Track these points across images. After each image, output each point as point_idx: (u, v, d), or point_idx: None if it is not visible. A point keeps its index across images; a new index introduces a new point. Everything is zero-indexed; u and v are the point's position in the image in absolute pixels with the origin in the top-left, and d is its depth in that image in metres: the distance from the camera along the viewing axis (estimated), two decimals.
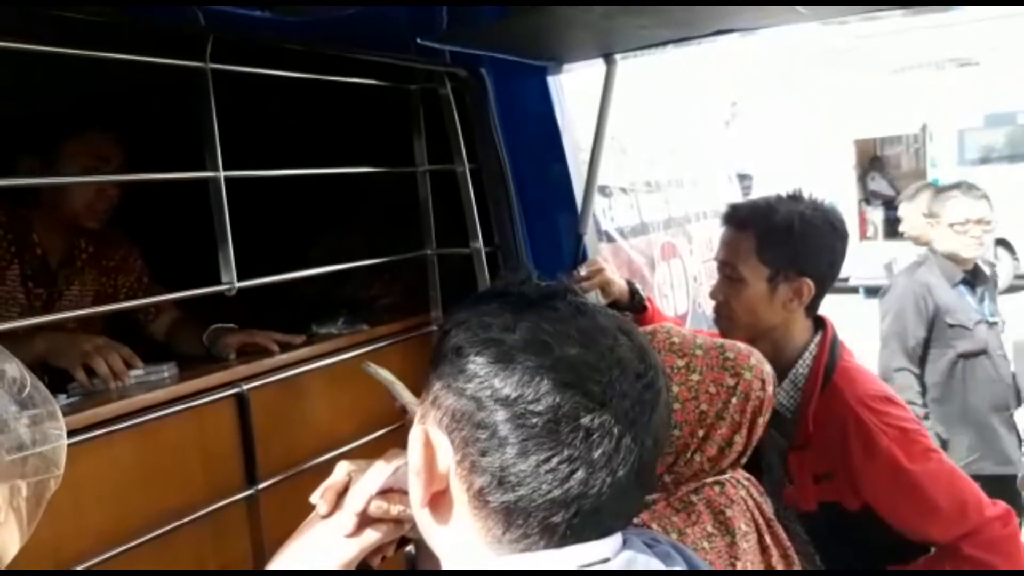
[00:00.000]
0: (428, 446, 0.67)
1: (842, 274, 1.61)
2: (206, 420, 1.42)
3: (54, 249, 1.79)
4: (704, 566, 0.74)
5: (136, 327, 1.84)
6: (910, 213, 3.49)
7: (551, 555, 0.64)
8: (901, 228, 3.64)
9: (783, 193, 1.60)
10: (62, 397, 1.31)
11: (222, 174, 1.35)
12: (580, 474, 0.62)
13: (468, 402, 0.64)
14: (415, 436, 0.68)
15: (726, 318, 1.58)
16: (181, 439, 1.38)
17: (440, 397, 0.67)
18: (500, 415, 0.63)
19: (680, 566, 0.70)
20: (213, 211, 1.35)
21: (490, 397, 0.63)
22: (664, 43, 1.70)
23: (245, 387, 1.45)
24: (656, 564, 0.67)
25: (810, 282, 1.53)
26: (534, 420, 0.62)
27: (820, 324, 1.60)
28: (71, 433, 1.21)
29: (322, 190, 2.24)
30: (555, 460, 0.62)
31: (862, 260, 7.30)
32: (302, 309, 1.86)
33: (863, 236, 10.11)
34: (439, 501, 0.68)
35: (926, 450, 1.46)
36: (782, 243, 1.51)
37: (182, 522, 1.34)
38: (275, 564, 0.84)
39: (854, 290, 8.49)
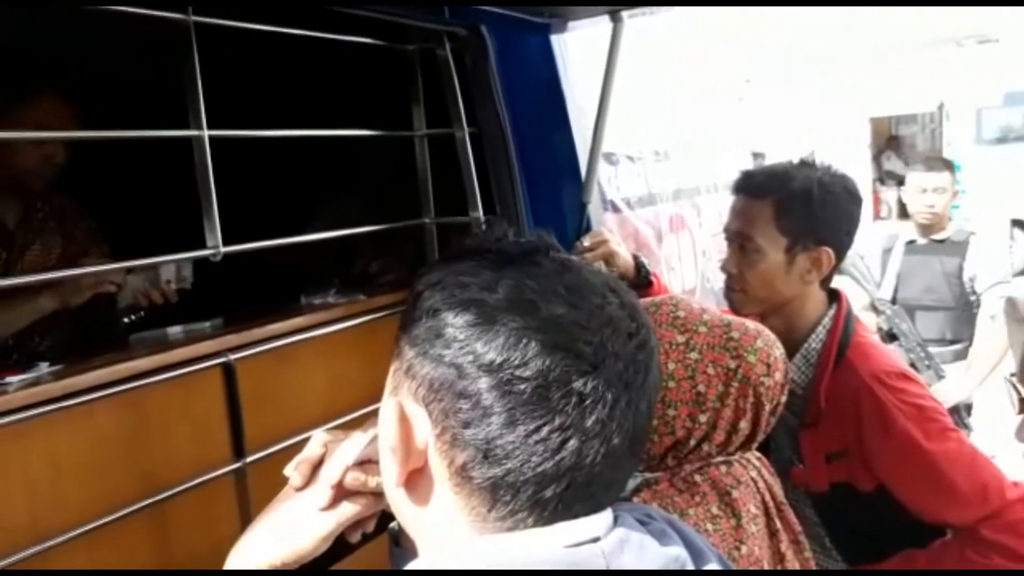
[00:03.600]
0: (404, 420, 0.61)
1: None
2: (191, 390, 1.37)
3: (9, 209, 1.79)
4: (702, 542, 0.68)
5: None
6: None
7: (535, 534, 0.58)
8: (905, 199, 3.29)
9: (795, 160, 1.54)
10: (43, 365, 1.26)
11: (206, 133, 1.30)
12: (573, 443, 0.56)
13: (447, 369, 0.58)
14: (388, 410, 0.62)
15: (740, 291, 1.51)
16: (165, 410, 1.33)
17: (415, 366, 0.60)
18: (484, 382, 0.57)
19: (676, 545, 0.64)
20: (197, 172, 1.30)
21: (472, 363, 0.57)
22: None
23: (232, 357, 1.40)
24: (650, 543, 0.61)
25: (830, 251, 1.47)
26: (522, 386, 0.56)
27: (834, 297, 1.53)
28: (49, 401, 1.18)
29: (318, 159, 2.18)
30: (546, 429, 0.56)
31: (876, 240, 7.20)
32: (299, 283, 1.80)
33: (876, 216, 10.01)
34: (416, 480, 0.62)
35: (944, 429, 1.39)
36: (801, 211, 1.45)
37: (166, 495, 1.29)
38: (247, 538, 0.79)
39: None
